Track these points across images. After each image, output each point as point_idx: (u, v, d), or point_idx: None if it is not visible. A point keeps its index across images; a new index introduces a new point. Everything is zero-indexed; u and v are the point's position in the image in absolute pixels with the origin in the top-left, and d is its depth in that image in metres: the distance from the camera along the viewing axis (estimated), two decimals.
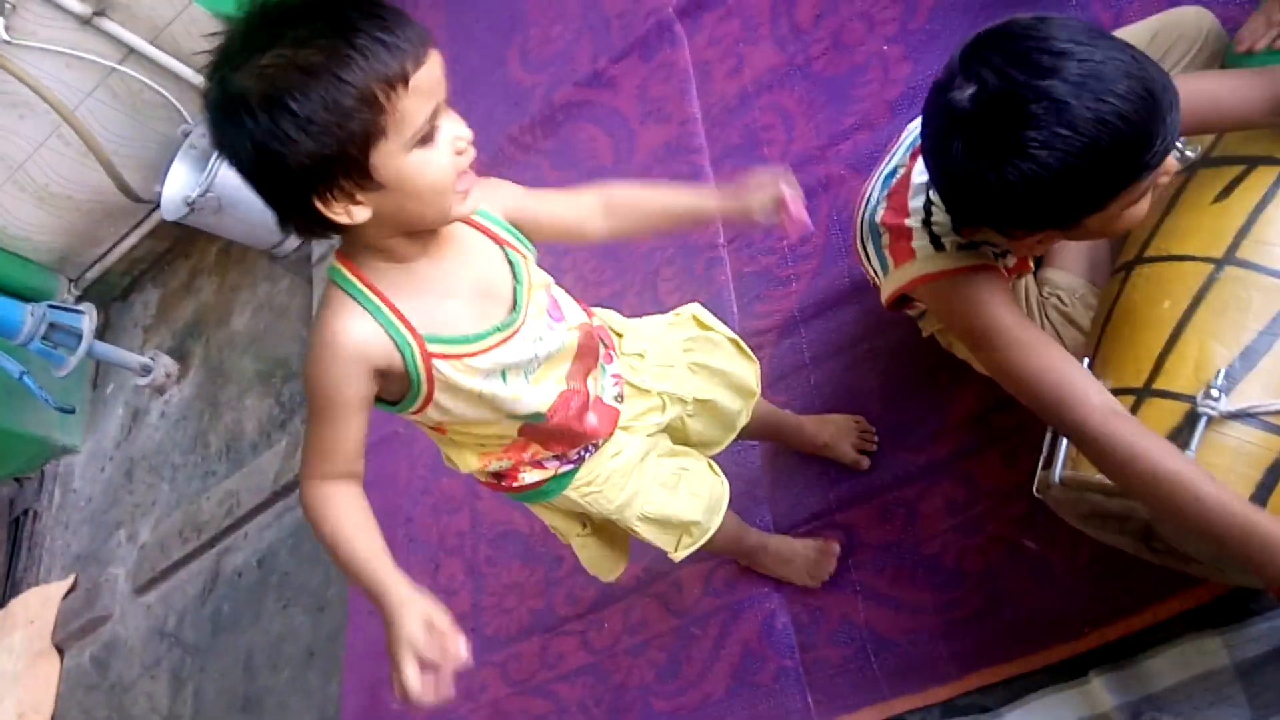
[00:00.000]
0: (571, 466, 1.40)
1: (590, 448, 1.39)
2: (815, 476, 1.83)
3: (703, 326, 1.57)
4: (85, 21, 2.89)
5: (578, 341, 1.31)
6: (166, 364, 3.48)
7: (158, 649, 2.94)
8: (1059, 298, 1.49)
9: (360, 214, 1.04)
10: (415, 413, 1.22)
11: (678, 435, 1.54)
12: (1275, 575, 1.03)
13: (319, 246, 3.18)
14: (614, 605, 2.02)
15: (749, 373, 1.58)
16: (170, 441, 3.37)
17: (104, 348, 3.32)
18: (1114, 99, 1.00)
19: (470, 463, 1.36)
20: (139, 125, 3.24)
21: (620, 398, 1.42)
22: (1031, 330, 1.22)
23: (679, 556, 1.53)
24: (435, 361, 1.16)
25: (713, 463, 1.56)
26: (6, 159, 3.26)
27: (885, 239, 1.36)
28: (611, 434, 1.40)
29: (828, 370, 1.89)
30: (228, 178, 2.95)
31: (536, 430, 1.32)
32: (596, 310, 1.47)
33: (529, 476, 1.39)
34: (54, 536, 3.59)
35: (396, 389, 1.18)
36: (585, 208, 1.35)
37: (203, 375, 3.41)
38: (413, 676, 1.05)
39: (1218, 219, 1.23)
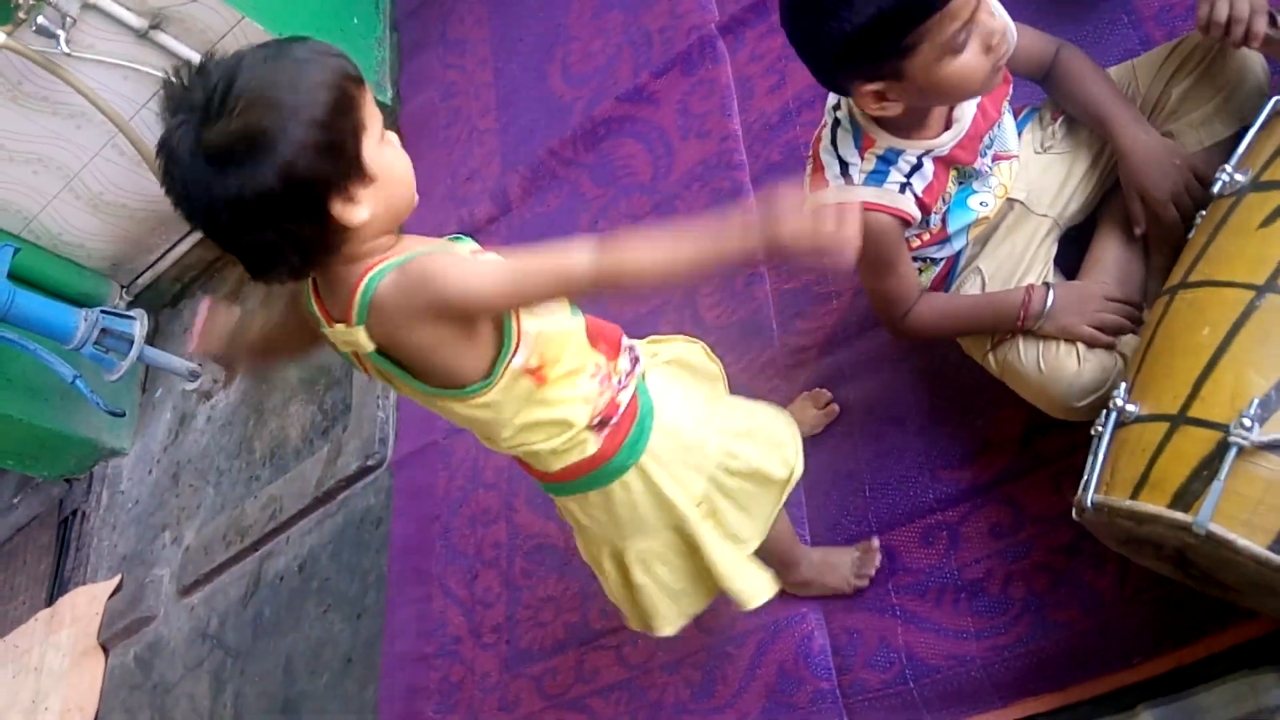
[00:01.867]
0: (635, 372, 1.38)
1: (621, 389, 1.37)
2: (853, 498, 1.81)
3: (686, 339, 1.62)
4: (141, 35, 2.94)
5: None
6: (213, 370, 3.53)
7: (200, 650, 2.97)
8: None
9: (363, 212, 1.12)
10: (513, 354, 1.22)
11: None
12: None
13: None
14: None
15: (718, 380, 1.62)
16: (216, 446, 3.41)
17: (154, 353, 3.37)
18: None
19: (579, 413, 1.32)
20: None
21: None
22: (891, 274, 1.49)
23: (752, 606, 1.50)
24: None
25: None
26: (63, 168, 3.32)
27: (808, 168, 1.50)
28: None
29: (868, 388, 1.87)
30: None
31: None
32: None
33: (624, 396, 1.35)
34: (101, 537, 3.65)
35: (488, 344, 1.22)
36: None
37: (248, 382, 3.45)
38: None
39: (1262, 245, 1.21)
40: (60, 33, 2.81)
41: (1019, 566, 1.59)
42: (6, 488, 4.04)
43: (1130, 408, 1.23)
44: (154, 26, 2.93)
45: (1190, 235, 1.34)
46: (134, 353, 3.17)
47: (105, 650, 3.29)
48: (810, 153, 1.51)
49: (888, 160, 1.40)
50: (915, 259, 1.56)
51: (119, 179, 3.40)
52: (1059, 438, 1.58)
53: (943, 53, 1.24)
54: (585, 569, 2.13)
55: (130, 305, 3.78)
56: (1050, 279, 1.53)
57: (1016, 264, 1.54)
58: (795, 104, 2.23)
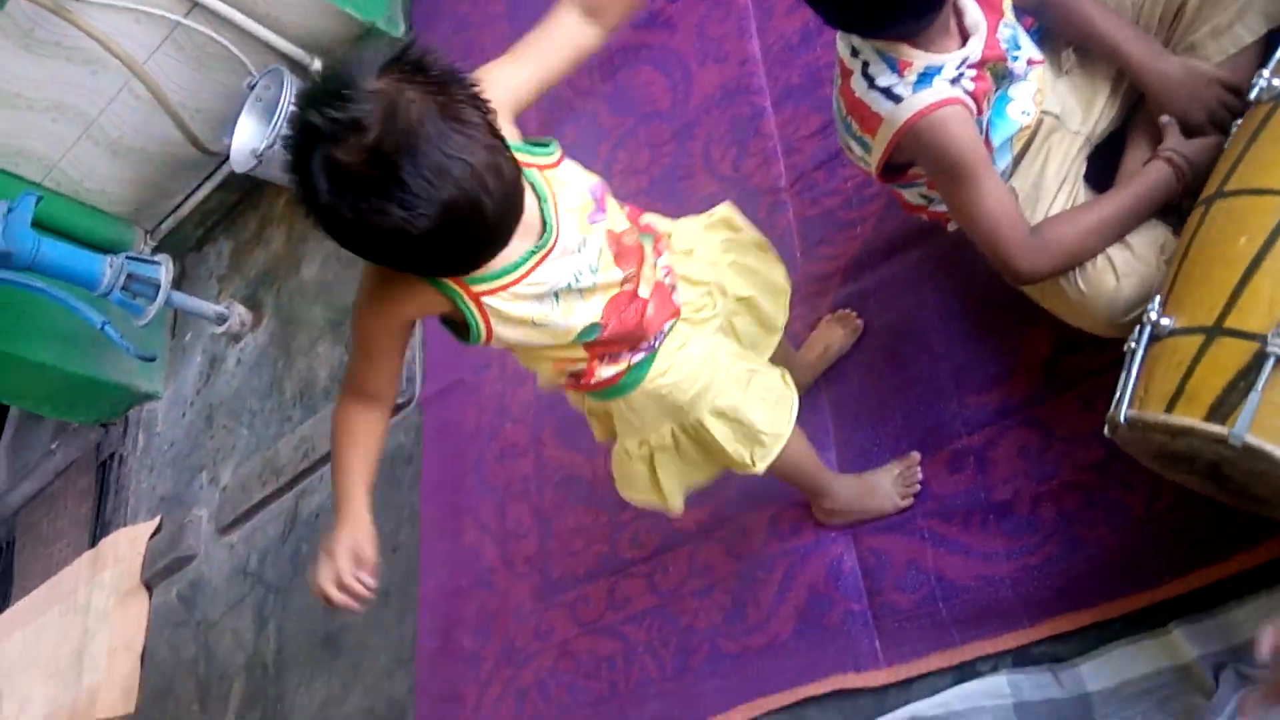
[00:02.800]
0: (644, 355, 1.44)
1: (659, 336, 1.44)
2: (881, 426, 1.81)
3: (733, 229, 1.62)
4: None
5: (607, 238, 1.33)
6: (241, 313, 3.55)
7: (241, 587, 3.04)
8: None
9: None
10: (485, 343, 1.30)
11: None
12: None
13: None
14: (679, 549, 2.03)
15: (778, 270, 1.65)
16: (247, 388, 3.45)
17: (181, 297, 3.39)
18: None
19: (546, 373, 1.46)
20: (205, 79, 3.27)
21: (673, 286, 1.47)
22: (991, 177, 1.37)
23: (760, 469, 1.55)
24: (484, 299, 1.23)
25: (785, 372, 1.58)
26: (81, 114, 3.31)
27: (855, 124, 1.44)
28: (672, 321, 1.46)
29: (894, 314, 1.86)
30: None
31: (599, 344, 1.39)
32: (644, 217, 1.52)
33: (605, 372, 1.44)
34: (139, 479, 3.71)
35: (460, 325, 1.27)
36: (567, 32, 1.34)
37: (276, 323, 3.47)
38: (326, 582, 1.34)
39: None
40: None
41: (1048, 487, 1.59)
42: (45, 434, 4.11)
43: (1165, 321, 1.21)
44: None
45: (1226, 145, 1.31)
46: (161, 297, 3.19)
47: (149, 589, 3.37)
48: (843, 113, 1.46)
49: (928, 75, 1.34)
50: None
51: (137, 123, 3.39)
52: (1088, 358, 1.56)
53: None
54: (613, 501, 2.16)
55: (155, 251, 3.80)
56: (1081, 197, 1.50)
57: (1050, 182, 1.50)
58: (815, 23, 2.17)
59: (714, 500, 2.00)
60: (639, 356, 1.44)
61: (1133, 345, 1.26)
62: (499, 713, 2.18)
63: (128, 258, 3.18)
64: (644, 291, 1.40)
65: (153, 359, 3.56)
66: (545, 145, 1.30)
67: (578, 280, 1.30)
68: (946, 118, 1.34)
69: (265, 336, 3.49)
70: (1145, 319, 1.24)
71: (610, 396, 1.49)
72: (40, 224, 3.07)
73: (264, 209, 3.75)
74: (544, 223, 1.25)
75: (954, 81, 1.35)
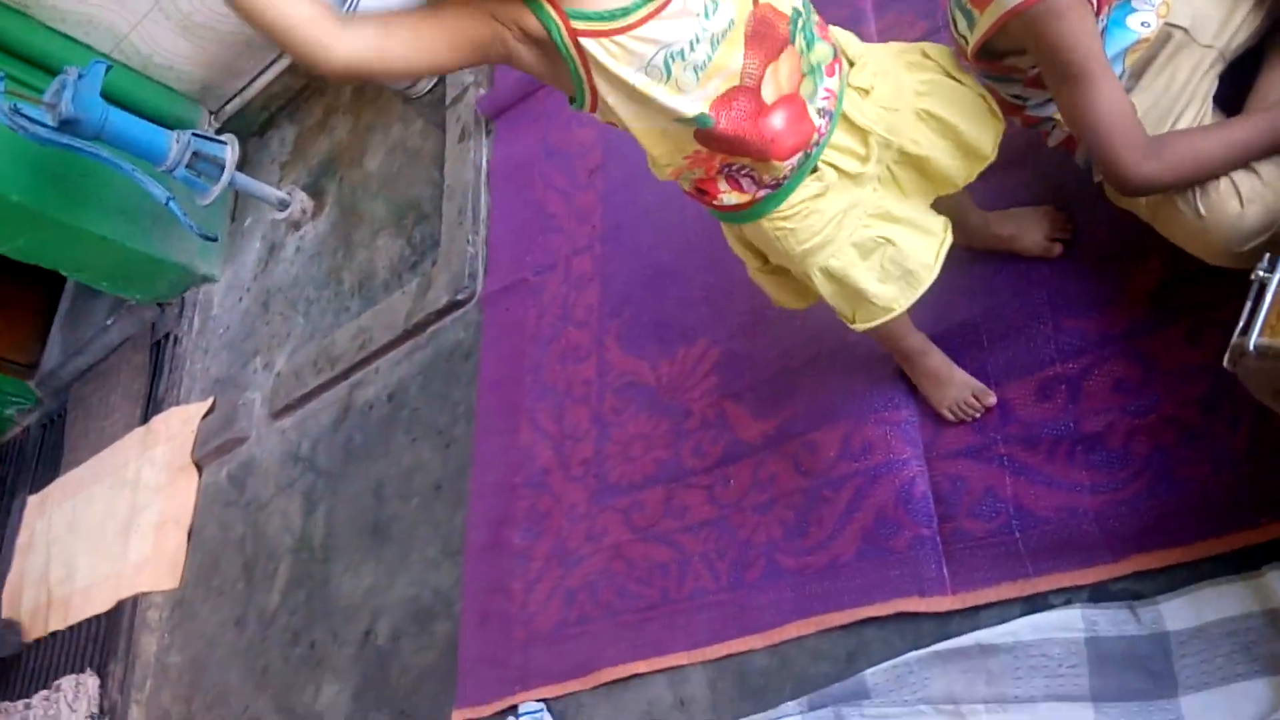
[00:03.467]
0: (769, 192, 1.36)
1: (791, 169, 1.34)
2: (969, 348, 1.74)
3: (951, 74, 1.47)
4: None
5: (750, 27, 1.22)
6: (302, 200, 3.52)
7: (291, 471, 3.05)
8: None
9: None
10: (591, 111, 1.21)
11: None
12: None
13: (453, 89, 3.13)
14: (743, 461, 1.99)
15: (987, 133, 1.48)
16: (305, 276, 3.43)
17: (245, 179, 3.36)
18: None
19: (663, 170, 1.36)
20: None
21: (825, 113, 1.35)
22: (1109, 77, 1.28)
23: (859, 328, 1.50)
24: (583, 41, 1.14)
25: (942, 243, 1.48)
26: None
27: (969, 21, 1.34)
28: (801, 150, 1.34)
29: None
30: (367, 7, 2.90)
31: (711, 136, 1.27)
32: (833, 30, 1.40)
33: (728, 198, 1.38)
34: (193, 360, 3.73)
35: (565, 80, 1.19)
36: None
37: (337, 213, 3.44)
38: None
39: None
40: None
41: (1144, 421, 1.52)
42: (101, 309, 4.13)
43: None
44: None
45: None
46: (226, 177, 3.16)
47: (199, 468, 3.40)
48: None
49: None
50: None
51: None
52: (1202, 289, 1.49)
53: None
54: (678, 408, 2.14)
55: (219, 132, 3.76)
56: (1209, 118, 1.41)
57: (1174, 101, 1.42)
58: None
59: (783, 413, 1.95)
60: (763, 193, 1.36)
61: (1262, 274, 1.19)
62: (546, 610, 2.17)
63: (194, 135, 3.15)
64: (767, 95, 1.27)
65: (214, 239, 3.55)
66: None
67: (693, 47, 1.18)
68: (1067, 6, 1.24)
69: (326, 225, 3.46)
70: None
71: (729, 220, 1.46)
72: (107, 95, 3.04)
73: (330, 96, 3.70)
74: None
75: None
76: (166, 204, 3.14)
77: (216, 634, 3.02)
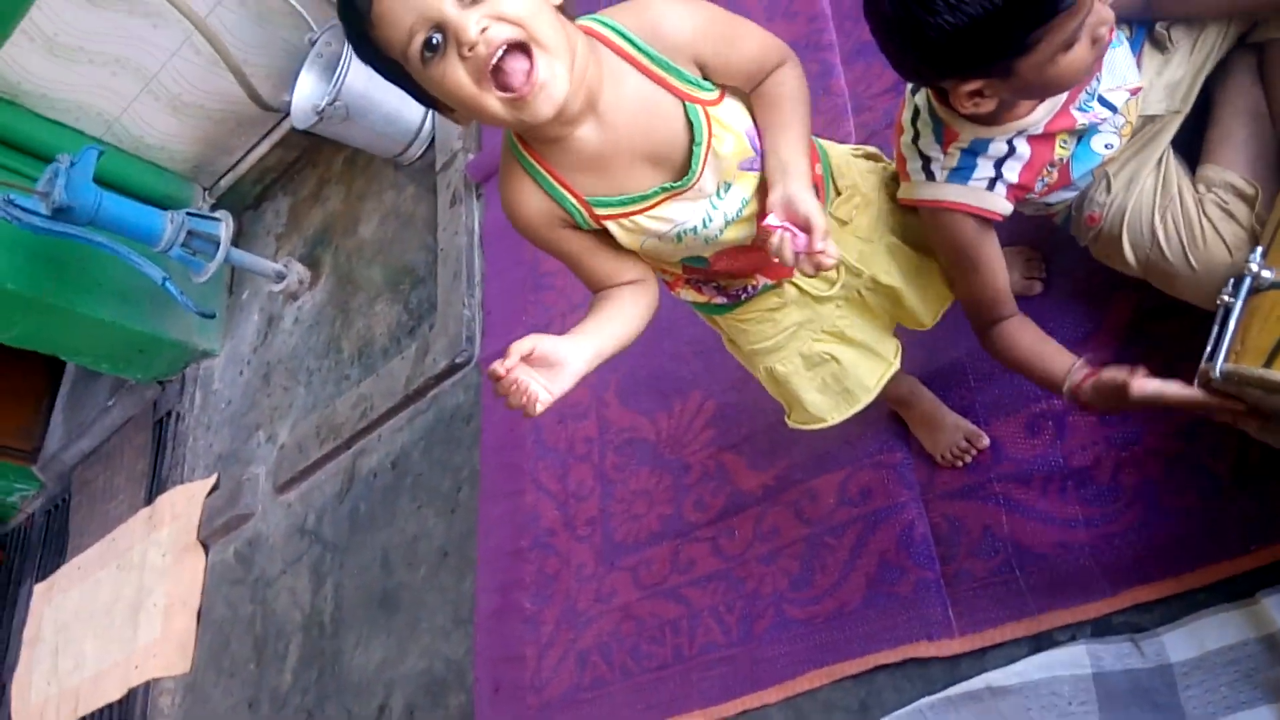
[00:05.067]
0: (726, 302, 1.42)
1: (750, 289, 1.39)
2: (957, 388, 1.77)
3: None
4: None
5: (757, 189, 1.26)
6: (299, 271, 3.56)
7: (298, 545, 3.06)
8: (1217, 194, 1.39)
9: None
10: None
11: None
12: (1070, 391, 1.30)
13: (442, 154, 3.18)
14: (745, 512, 2.01)
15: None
16: (305, 346, 3.46)
17: (240, 254, 3.41)
18: None
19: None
20: (267, 33, 3.27)
21: None
22: (982, 272, 1.37)
23: (791, 425, 1.56)
24: (606, 222, 1.20)
25: (886, 371, 1.53)
26: (142, 69, 3.33)
27: (895, 154, 1.41)
28: (778, 283, 1.40)
29: None
30: (354, 86, 2.96)
31: (698, 270, 1.35)
32: (831, 151, 1.45)
33: (685, 295, 1.44)
34: (196, 437, 3.75)
35: None
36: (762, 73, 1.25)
37: (333, 282, 3.48)
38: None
39: None
40: None
41: (1130, 453, 1.55)
42: (102, 390, 4.17)
43: (1266, 274, 1.17)
44: None
45: None
46: (221, 254, 3.20)
47: (205, 547, 3.41)
48: (894, 139, 1.42)
49: (974, 152, 1.30)
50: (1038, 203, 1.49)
51: (197, 79, 3.41)
52: (1174, 321, 1.52)
53: (1059, 49, 1.13)
54: (677, 463, 2.16)
55: (213, 208, 3.82)
56: (1172, 165, 1.44)
57: (1141, 164, 1.45)
58: None
59: (780, 463, 1.98)
60: (721, 299, 1.41)
61: (1228, 298, 1.21)
62: (559, 675, 2.18)
63: (188, 214, 3.20)
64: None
65: (212, 315, 3.59)
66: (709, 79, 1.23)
67: (706, 225, 1.24)
68: (952, 222, 1.33)
69: (323, 295, 3.50)
70: (1246, 270, 1.20)
71: (694, 306, 1.50)
72: (100, 179, 3.09)
73: (322, 167, 3.76)
74: (689, 163, 1.19)
75: (999, 164, 1.30)
76: (163, 285, 3.18)
77: (229, 717, 3.02)
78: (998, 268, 1.38)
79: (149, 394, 4.00)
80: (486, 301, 2.83)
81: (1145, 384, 1.20)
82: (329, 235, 3.59)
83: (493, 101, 1.05)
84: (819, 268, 1.15)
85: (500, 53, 1.03)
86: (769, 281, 1.39)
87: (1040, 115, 1.29)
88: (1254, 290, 1.19)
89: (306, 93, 3.15)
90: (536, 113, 1.07)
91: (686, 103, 1.17)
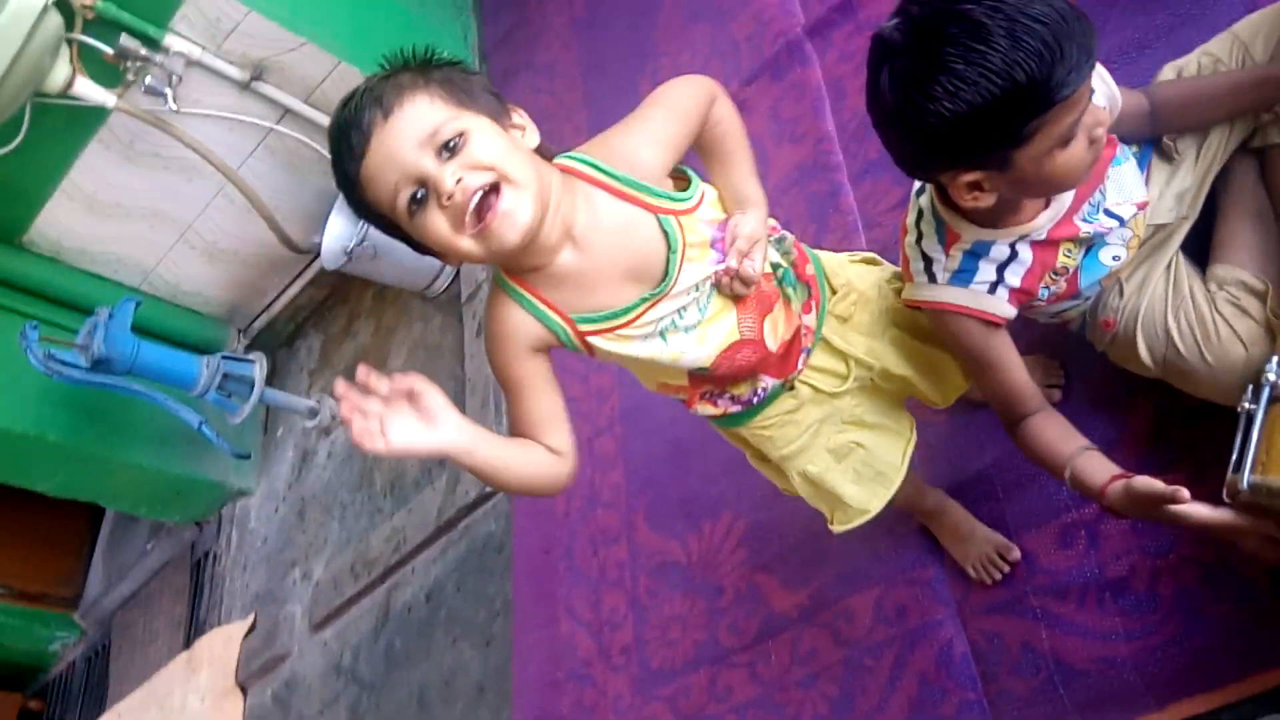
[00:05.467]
0: (741, 409, 1.42)
1: (762, 391, 1.40)
2: (985, 500, 1.75)
3: None
4: (244, 87, 3.04)
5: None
6: (331, 406, 3.61)
7: (335, 685, 3.04)
8: (1228, 292, 1.40)
9: None
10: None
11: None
12: (1098, 492, 1.26)
13: (467, 285, 3.26)
14: (780, 635, 1.98)
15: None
16: (338, 481, 3.49)
17: (274, 394, 3.47)
18: (1026, 18, 1.06)
19: (649, 385, 1.43)
20: (297, 180, 3.39)
21: (803, 350, 1.41)
22: (1001, 368, 1.36)
23: (837, 529, 1.54)
24: (589, 338, 1.24)
25: (908, 443, 1.53)
26: (177, 220, 3.45)
27: (900, 255, 1.44)
28: (787, 380, 1.41)
29: None
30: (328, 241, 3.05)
31: (705, 378, 1.36)
32: (824, 256, 1.48)
33: (701, 409, 1.43)
34: (233, 577, 3.76)
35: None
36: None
37: None
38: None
39: None
40: (167, 91, 2.91)
41: (1165, 562, 1.52)
42: (141, 534, 4.20)
43: None
44: (255, 78, 3.03)
45: None
46: (255, 395, 3.26)
47: (243, 690, 3.39)
48: (899, 241, 1.44)
49: (976, 254, 1.32)
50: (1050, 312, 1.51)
51: (231, 227, 3.52)
52: (1198, 425, 1.51)
53: (1056, 144, 1.14)
54: (710, 586, 2.14)
55: (248, 348, 3.91)
56: (1182, 268, 1.46)
57: (1152, 267, 1.47)
58: None
59: (814, 582, 1.95)
60: (736, 408, 1.42)
61: (1248, 406, 1.21)
62: None
63: (223, 357, 3.26)
64: (771, 343, 1.33)
65: (247, 456, 3.63)
66: (687, 188, 1.28)
67: (682, 316, 1.26)
68: (959, 325, 1.34)
69: None
70: (1264, 379, 1.19)
71: (714, 423, 1.49)
72: (138, 327, 3.17)
73: (353, 303, 3.84)
74: (665, 272, 1.23)
75: (1002, 269, 1.31)
76: (199, 429, 3.23)
77: None
78: (1011, 364, 1.37)
79: (187, 535, 4.03)
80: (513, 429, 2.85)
81: (1191, 509, 1.15)
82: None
83: (465, 242, 1.13)
84: (746, 282, 1.19)
85: (478, 197, 1.11)
86: (777, 381, 1.40)
87: (1043, 222, 1.31)
88: (1273, 399, 1.19)
89: (336, 234, 3.24)
90: (503, 240, 1.13)
91: (659, 215, 1.22)
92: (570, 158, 1.25)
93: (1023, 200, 1.29)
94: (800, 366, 1.41)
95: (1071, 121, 1.13)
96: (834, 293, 1.46)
